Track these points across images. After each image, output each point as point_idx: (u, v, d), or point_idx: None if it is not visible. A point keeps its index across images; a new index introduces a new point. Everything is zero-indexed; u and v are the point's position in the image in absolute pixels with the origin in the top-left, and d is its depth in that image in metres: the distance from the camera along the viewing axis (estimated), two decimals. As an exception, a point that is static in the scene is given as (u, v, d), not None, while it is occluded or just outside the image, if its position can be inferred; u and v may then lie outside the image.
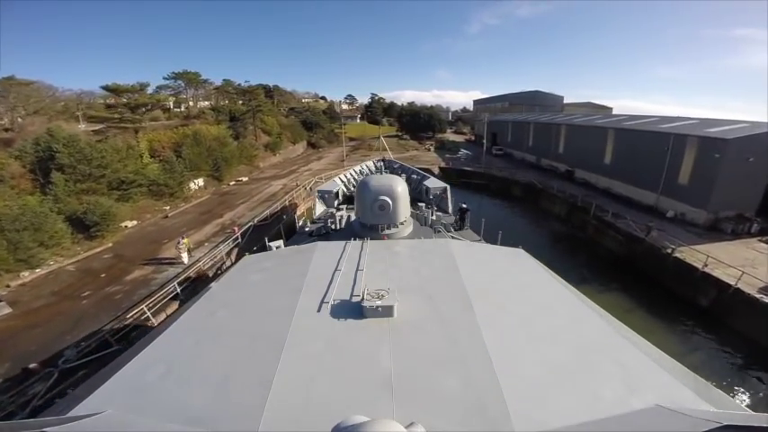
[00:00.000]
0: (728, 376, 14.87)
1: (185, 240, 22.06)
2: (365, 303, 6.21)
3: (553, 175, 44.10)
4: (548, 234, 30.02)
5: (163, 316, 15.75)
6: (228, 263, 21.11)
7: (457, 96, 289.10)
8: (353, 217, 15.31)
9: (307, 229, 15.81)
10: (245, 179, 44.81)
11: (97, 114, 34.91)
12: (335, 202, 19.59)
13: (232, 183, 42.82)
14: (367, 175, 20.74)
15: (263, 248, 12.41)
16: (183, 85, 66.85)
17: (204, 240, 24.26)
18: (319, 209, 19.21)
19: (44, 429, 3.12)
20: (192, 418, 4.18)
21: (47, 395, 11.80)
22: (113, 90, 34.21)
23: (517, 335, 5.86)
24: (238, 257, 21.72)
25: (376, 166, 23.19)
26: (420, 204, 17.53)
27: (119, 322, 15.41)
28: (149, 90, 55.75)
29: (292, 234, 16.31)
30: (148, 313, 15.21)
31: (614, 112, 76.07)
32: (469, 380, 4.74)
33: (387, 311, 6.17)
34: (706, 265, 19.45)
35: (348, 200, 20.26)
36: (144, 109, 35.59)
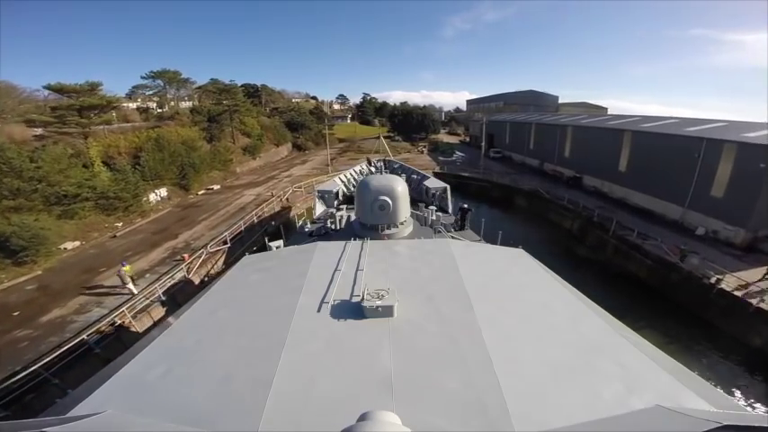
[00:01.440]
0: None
1: (126, 268, 17.86)
2: (365, 303, 6.14)
3: (558, 181, 40.41)
4: (557, 254, 25.83)
5: (71, 372, 12.69)
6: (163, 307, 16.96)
7: (445, 96, 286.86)
8: (353, 217, 15.26)
9: (307, 229, 15.64)
10: (216, 187, 40.37)
11: (37, 117, 30.20)
12: (335, 202, 19.37)
13: (201, 192, 38.35)
14: (367, 175, 20.45)
15: (263, 248, 12.14)
16: (162, 84, 62.92)
17: (147, 269, 19.86)
18: (319, 209, 18.92)
19: (44, 429, 3.05)
20: (192, 418, 4.11)
21: None
22: (58, 90, 29.58)
23: (517, 335, 5.81)
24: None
25: (376, 167, 22.75)
26: (420, 204, 17.51)
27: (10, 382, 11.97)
28: (118, 90, 51.87)
29: (292, 234, 16.21)
30: (46, 374, 12.19)
31: (608, 112, 73.16)
32: (469, 380, 4.71)
33: (387, 311, 6.12)
34: (763, 300, 16.22)
35: (348, 200, 20.14)
36: (94, 112, 30.85)
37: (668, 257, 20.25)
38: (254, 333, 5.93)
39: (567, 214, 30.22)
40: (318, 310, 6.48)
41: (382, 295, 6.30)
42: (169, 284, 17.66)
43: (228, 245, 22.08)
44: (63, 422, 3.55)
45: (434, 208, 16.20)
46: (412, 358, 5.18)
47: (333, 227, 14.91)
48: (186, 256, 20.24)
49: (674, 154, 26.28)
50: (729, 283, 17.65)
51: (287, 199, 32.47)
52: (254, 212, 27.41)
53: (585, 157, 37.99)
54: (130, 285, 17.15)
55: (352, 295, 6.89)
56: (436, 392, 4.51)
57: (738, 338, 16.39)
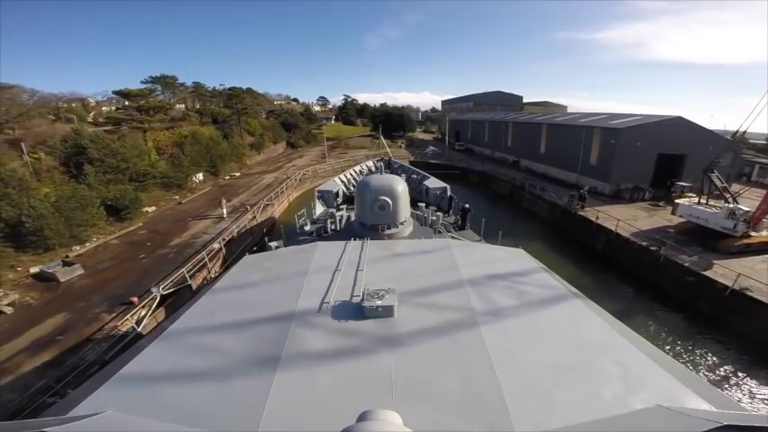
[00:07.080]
0: (615, 304, 17.65)
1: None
2: (365, 303, 6.25)
3: (503, 165, 52.41)
4: (496, 208, 37.25)
5: (218, 262, 20.86)
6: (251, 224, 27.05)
7: (409, 97, 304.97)
8: (353, 217, 15.25)
9: (307, 229, 15.87)
10: (237, 174, 50.25)
11: (112, 116, 39.51)
12: (335, 202, 19.77)
13: (227, 177, 48.19)
14: (367, 174, 20.68)
15: (264, 248, 12.65)
16: (159, 88, 70.92)
17: (223, 216, 29.76)
18: (319, 209, 19.09)
19: (44, 429, 2.99)
20: (192, 418, 4.22)
21: (149, 315, 15.35)
22: (125, 95, 39.01)
23: (517, 335, 5.88)
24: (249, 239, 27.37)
25: (376, 166, 23.33)
26: (420, 204, 17.77)
27: (188, 265, 18.51)
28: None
29: (292, 234, 16.45)
30: (206, 258, 19.92)
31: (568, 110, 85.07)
32: (469, 380, 4.77)
33: (387, 312, 6.22)
34: (597, 218, 26.36)
35: (348, 200, 20.30)
36: (153, 112, 40.48)
37: (556, 201, 31.94)
38: (254, 333, 6.03)
39: (502, 184, 42.54)
40: (318, 311, 6.53)
41: (382, 295, 6.38)
42: (245, 222, 27.76)
43: (272, 202, 32.49)
44: (63, 422, 3.55)
45: (434, 208, 16.59)
46: (412, 358, 5.25)
47: (333, 227, 15.01)
48: (249, 206, 30.47)
49: (570, 138, 38.44)
50: (588, 212, 28.64)
51: (299, 179, 42.95)
52: (282, 185, 37.80)
53: (521, 145, 50.40)
54: (224, 210, 27.43)
55: (352, 295, 6.92)
56: (436, 392, 4.58)
57: (589, 246, 26.21)
